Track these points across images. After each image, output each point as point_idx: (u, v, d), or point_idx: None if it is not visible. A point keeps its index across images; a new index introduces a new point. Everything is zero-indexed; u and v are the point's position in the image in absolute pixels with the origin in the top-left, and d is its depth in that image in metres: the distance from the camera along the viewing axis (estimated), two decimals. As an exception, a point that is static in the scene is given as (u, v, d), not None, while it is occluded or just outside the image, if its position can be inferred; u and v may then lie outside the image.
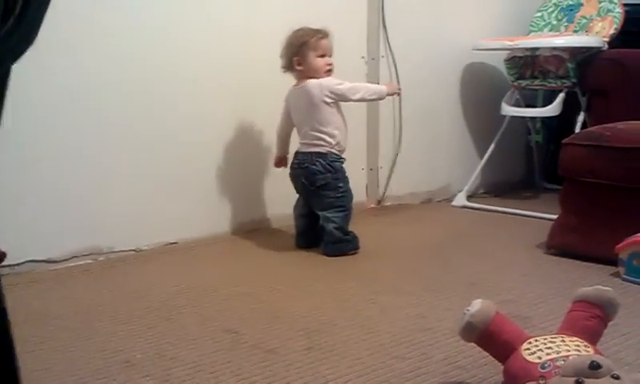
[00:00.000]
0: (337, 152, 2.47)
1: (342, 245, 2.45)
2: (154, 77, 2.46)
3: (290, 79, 2.55)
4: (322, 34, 2.47)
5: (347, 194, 2.50)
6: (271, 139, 2.78)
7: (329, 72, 2.47)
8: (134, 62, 2.41)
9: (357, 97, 2.48)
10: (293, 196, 2.64)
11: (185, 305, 1.92)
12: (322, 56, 2.46)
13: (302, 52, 2.44)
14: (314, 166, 2.43)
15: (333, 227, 2.43)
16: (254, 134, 2.77)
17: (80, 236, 2.32)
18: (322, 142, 2.45)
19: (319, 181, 2.44)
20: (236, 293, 2.03)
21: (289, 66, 2.49)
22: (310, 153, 2.45)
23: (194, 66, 2.56)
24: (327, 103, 2.43)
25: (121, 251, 2.41)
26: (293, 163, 2.53)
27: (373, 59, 3.11)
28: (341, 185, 2.47)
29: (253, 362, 1.54)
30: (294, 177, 2.52)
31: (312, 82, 2.44)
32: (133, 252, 2.44)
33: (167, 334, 1.71)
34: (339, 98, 2.45)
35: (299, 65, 2.45)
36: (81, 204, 2.33)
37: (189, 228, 2.59)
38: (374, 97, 2.60)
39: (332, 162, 2.45)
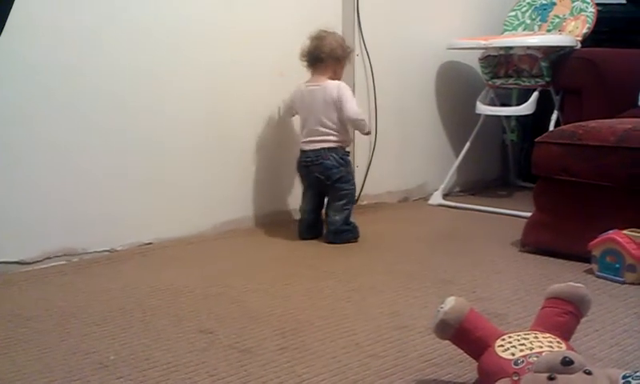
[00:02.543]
0: (345, 147, 2.66)
1: (346, 234, 2.61)
2: (130, 78, 2.44)
3: (270, 82, 2.67)
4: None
5: (355, 185, 2.73)
6: (248, 140, 2.79)
7: None
8: (113, 61, 2.39)
9: (350, 112, 2.62)
10: (271, 196, 2.69)
11: (159, 305, 1.91)
12: None
13: (343, 64, 2.70)
14: (328, 161, 2.58)
15: (343, 217, 2.60)
16: (232, 134, 2.76)
17: (54, 237, 2.30)
18: (334, 138, 2.61)
19: (335, 175, 2.59)
20: (211, 293, 2.02)
21: (319, 64, 2.64)
22: (323, 149, 2.59)
23: (172, 69, 2.55)
24: (334, 100, 2.60)
25: (95, 252, 2.39)
26: (303, 160, 2.64)
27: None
28: (351, 177, 2.68)
29: (228, 362, 1.53)
30: (307, 173, 2.64)
31: (331, 82, 2.62)
32: (107, 253, 2.42)
33: (141, 335, 1.69)
34: (339, 102, 2.60)
35: (334, 72, 2.66)
36: (54, 205, 2.30)
37: (164, 228, 2.57)
38: (361, 124, 2.71)
39: (343, 156, 2.63)
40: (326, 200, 2.69)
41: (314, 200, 2.68)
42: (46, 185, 2.28)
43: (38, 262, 2.26)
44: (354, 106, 2.63)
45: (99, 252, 2.40)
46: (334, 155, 2.59)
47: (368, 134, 2.80)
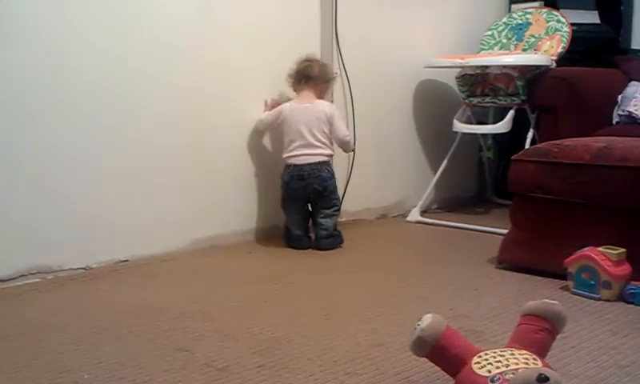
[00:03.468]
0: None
1: (335, 239, 2.79)
2: (107, 92, 2.43)
3: (250, 102, 2.81)
4: None
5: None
6: (227, 156, 2.79)
7: None
8: (89, 81, 2.38)
9: (340, 131, 2.84)
10: (249, 212, 2.81)
11: (135, 324, 1.89)
12: None
13: (329, 87, 2.94)
14: (324, 173, 2.76)
15: (333, 223, 2.79)
16: (210, 151, 2.75)
17: (28, 254, 2.27)
18: (327, 152, 2.79)
19: (330, 186, 2.78)
20: (188, 311, 2.01)
21: (309, 82, 2.82)
22: (319, 162, 2.75)
23: (150, 88, 2.54)
24: (327, 116, 2.80)
25: (70, 269, 2.36)
26: (297, 174, 2.73)
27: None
28: (336, 187, 2.87)
29: (205, 381, 1.52)
30: (302, 186, 2.73)
31: (323, 101, 2.84)
32: (82, 270, 2.40)
33: (117, 354, 1.68)
34: (331, 119, 2.81)
35: (321, 93, 2.86)
36: (28, 221, 2.28)
37: (140, 245, 2.55)
38: (349, 144, 2.94)
39: (332, 168, 2.82)
40: (309, 209, 2.84)
41: (302, 211, 2.81)
42: (19, 202, 2.26)
43: (11, 279, 2.23)
44: (343, 127, 2.88)
45: (74, 269, 2.38)
46: (328, 168, 2.79)
47: (352, 151, 3.05)
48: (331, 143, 2.83)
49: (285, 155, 2.78)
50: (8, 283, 2.22)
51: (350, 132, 3.03)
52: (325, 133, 2.79)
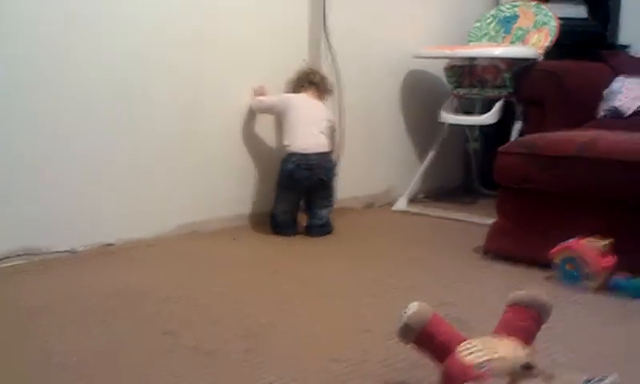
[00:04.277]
0: None
1: (328, 227, 2.82)
2: (102, 80, 2.42)
3: (241, 87, 2.82)
4: None
5: None
6: (215, 142, 2.79)
7: None
8: (85, 70, 2.37)
9: (334, 139, 2.98)
10: (239, 197, 2.85)
11: (122, 307, 1.89)
12: None
13: (328, 96, 3.01)
14: (329, 164, 2.82)
15: (328, 212, 2.81)
16: (199, 136, 2.75)
17: (15, 236, 2.26)
18: (327, 143, 2.82)
19: (333, 176, 2.86)
20: (174, 295, 2.01)
21: (311, 86, 2.91)
22: (323, 153, 2.77)
23: (142, 75, 2.53)
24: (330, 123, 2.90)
25: (56, 252, 2.35)
26: (303, 163, 2.71)
27: (314, 63, 3.12)
28: None
29: (193, 365, 1.52)
30: (307, 176, 2.72)
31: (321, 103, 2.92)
32: (68, 253, 2.39)
33: (104, 337, 1.68)
34: (332, 128, 2.93)
35: (323, 99, 2.94)
36: (15, 203, 2.26)
37: (126, 229, 2.54)
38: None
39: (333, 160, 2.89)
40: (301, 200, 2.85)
41: (293, 201, 2.80)
42: (6, 183, 2.25)
43: (-2, 260, 2.22)
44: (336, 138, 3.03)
45: (60, 252, 2.36)
46: (331, 159, 2.86)
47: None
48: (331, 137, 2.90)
49: (287, 143, 2.76)
50: (-7, 265, 2.21)
51: (330, 117, 3.03)
52: (327, 128, 2.84)
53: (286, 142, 2.77)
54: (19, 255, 2.26)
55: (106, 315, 1.83)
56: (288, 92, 2.92)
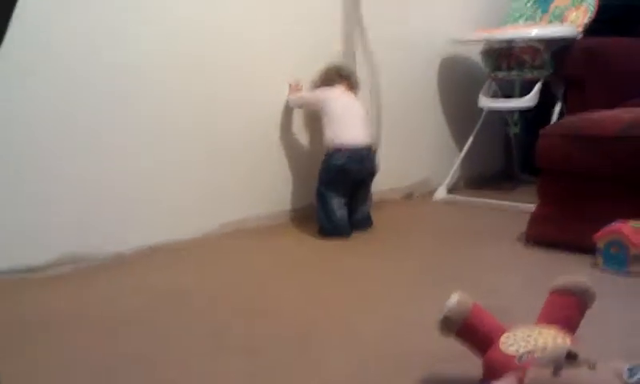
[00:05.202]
0: None
1: (368, 221, 2.79)
2: (129, 78, 2.45)
3: (274, 84, 2.82)
4: None
5: None
6: (254, 139, 2.81)
7: None
8: (111, 61, 2.40)
9: None
10: (279, 194, 2.87)
11: (167, 308, 1.92)
12: None
13: (356, 93, 2.91)
14: (375, 156, 2.78)
15: (367, 209, 2.80)
16: (237, 134, 2.77)
17: (60, 243, 2.30)
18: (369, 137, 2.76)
19: (377, 167, 2.81)
20: (220, 294, 2.03)
21: (342, 81, 2.85)
22: (369, 146, 2.73)
23: (172, 69, 2.55)
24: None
25: (102, 257, 2.38)
26: (355, 156, 2.64)
27: (350, 53, 3.11)
28: None
29: (239, 364, 1.53)
30: (358, 169, 2.67)
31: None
32: (114, 257, 2.42)
33: (150, 338, 1.70)
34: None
35: (354, 90, 2.88)
36: (60, 209, 2.30)
37: (170, 230, 2.57)
38: None
39: None
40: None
41: (344, 198, 2.70)
42: (52, 192, 2.29)
43: (44, 268, 2.26)
44: None
45: (106, 256, 2.40)
46: (375, 151, 2.81)
47: None
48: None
49: (333, 136, 2.67)
50: (41, 272, 2.23)
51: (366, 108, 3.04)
52: (366, 121, 2.79)
53: (330, 135, 2.68)
54: (65, 262, 2.30)
55: (151, 317, 1.85)
56: (315, 88, 2.87)
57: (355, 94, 2.89)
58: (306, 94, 2.85)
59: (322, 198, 2.68)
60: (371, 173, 2.76)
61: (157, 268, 2.33)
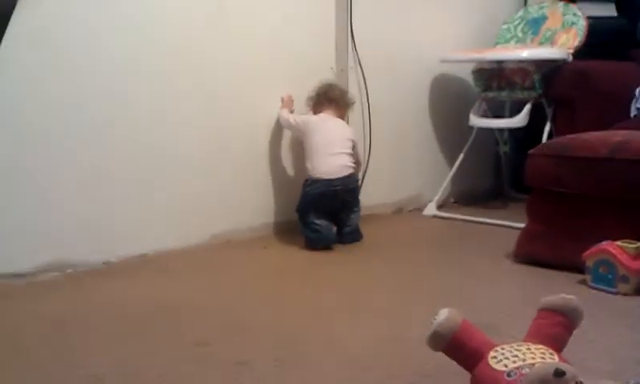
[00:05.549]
0: None
1: (356, 234, 2.83)
2: (126, 93, 2.46)
3: (268, 95, 2.84)
4: None
5: None
6: (245, 151, 2.82)
7: None
8: (110, 69, 2.40)
9: (359, 159, 2.92)
10: (265, 206, 2.87)
11: (154, 317, 1.91)
12: None
13: (347, 111, 2.98)
14: (353, 185, 2.80)
15: (358, 218, 2.85)
16: (228, 145, 2.78)
17: (48, 248, 2.29)
18: (352, 163, 2.78)
19: (357, 194, 2.86)
20: (207, 305, 2.03)
21: (330, 104, 2.87)
22: (350, 175, 2.75)
23: (168, 81, 2.56)
24: (353, 142, 2.84)
25: (90, 264, 2.38)
26: (329, 189, 2.69)
27: (342, 70, 3.13)
28: None
29: (224, 376, 1.53)
30: (331, 199, 2.71)
31: (345, 123, 2.90)
32: (102, 265, 2.42)
33: (136, 348, 1.70)
34: (356, 146, 2.86)
35: (344, 115, 2.93)
36: (49, 216, 2.30)
37: (159, 240, 2.57)
38: (358, 168, 2.95)
39: (356, 176, 2.88)
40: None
41: (327, 216, 2.73)
42: (39, 197, 2.29)
43: (32, 274, 2.26)
44: (360, 152, 2.97)
45: (94, 264, 2.40)
46: (355, 179, 2.83)
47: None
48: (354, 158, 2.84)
49: (310, 167, 2.74)
50: (28, 278, 2.24)
51: (357, 125, 3.14)
52: (350, 148, 2.79)
53: (308, 166, 2.75)
54: (52, 269, 2.30)
55: (138, 326, 1.85)
56: (309, 110, 2.90)
57: (345, 114, 2.92)
58: (290, 118, 2.85)
59: (301, 217, 2.75)
60: (347, 201, 2.77)
61: (144, 278, 2.33)
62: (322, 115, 2.84)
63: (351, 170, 2.76)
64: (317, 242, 2.69)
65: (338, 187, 2.70)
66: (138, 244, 2.52)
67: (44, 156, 2.29)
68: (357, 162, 2.90)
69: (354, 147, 2.82)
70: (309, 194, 2.73)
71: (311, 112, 2.89)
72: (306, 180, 2.76)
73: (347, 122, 2.97)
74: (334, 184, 2.70)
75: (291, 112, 2.89)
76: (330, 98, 2.86)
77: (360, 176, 3.05)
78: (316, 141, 2.76)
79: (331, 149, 2.74)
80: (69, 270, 2.34)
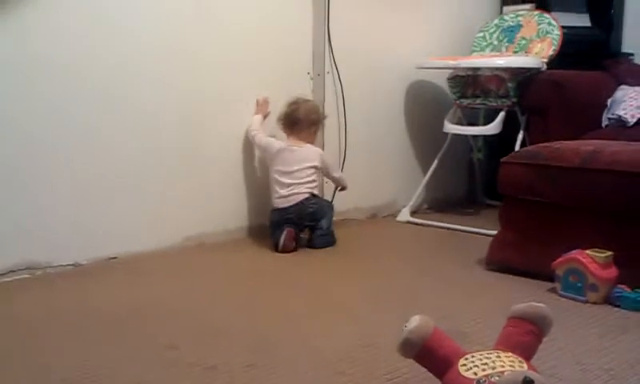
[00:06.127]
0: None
1: (328, 238, 2.85)
2: (99, 92, 2.43)
3: (242, 104, 2.85)
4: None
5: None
6: (219, 155, 2.82)
7: None
8: (82, 75, 2.38)
9: (335, 174, 2.99)
10: (239, 209, 2.88)
11: (124, 321, 1.90)
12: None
13: (318, 128, 2.94)
14: (311, 208, 2.78)
15: (328, 223, 2.85)
16: (203, 149, 2.76)
17: (17, 250, 2.27)
18: (311, 187, 2.81)
19: (319, 212, 2.81)
20: (177, 308, 2.01)
21: (295, 127, 2.84)
22: (302, 201, 2.76)
23: (143, 85, 2.55)
24: (318, 168, 2.85)
25: (59, 266, 2.36)
26: (285, 218, 2.73)
27: (318, 75, 3.14)
28: (322, 196, 3.01)
29: (192, 380, 1.52)
30: (292, 224, 2.74)
31: (312, 148, 2.86)
32: (72, 267, 2.40)
33: (106, 352, 1.68)
34: (326, 170, 2.92)
35: (313, 133, 2.89)
36: (18, 217, 2.27)
37: (130, 242, 2.55)
38: (341, 183, 3.04)
39: (317, 196, 2.87)
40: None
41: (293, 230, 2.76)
42: (7, 197, 2.26)
43: (2, 274, 2.23)
44: (338, 171, 3.05)
45: (63, 266, 2.37)
46: (313, 201, 2.80)
47: (345, 188, 3.08)
48: (315, 180, 2.85)
49: (272, 194, 2.81)
50: (-4, 279, 2.22)
51: (333, 128, 3.17)
52: (309, 174, 2.81)
53: (271, 192, 2.82)
54: (21, 269, 2.27)
55: (108, 329, 1.83)
56: (282, 131, 2.89)
57: (314, 132, 2.91)
58: (258, 139, 2.85)
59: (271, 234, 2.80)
60: (308, 225, 2.81)
61: (115, 280, 2.31)
62: (284, 143, 2.83)
63: (305, 195, 2.78)
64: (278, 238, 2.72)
65: (291, 215, 2.75)
66: (108, 246, 2.50)
67: (14, 155, 2.26)
68: (333, 179, 3.00)
69: (322, 168, 2.87)
70: (272, 222, 2.80)
71: (283, 133, 2.89)
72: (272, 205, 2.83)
73: (315, 137, 2.94)
74: (289, 212, 2.76)
75: (265, 116, 2.90)
76: (293, 121, 2.85)
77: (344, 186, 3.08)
78: (273, 170, 2.82)
79: (285, 179, 2.78)
80: (38, 272, 2.31)
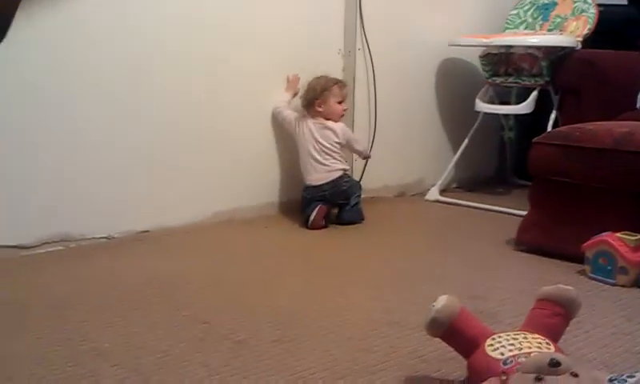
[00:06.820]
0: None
1: (358, 213, 2.87)
2: (127, 67, 2.46)
3: (269, 78, 2.83)
4: (341, 83, 2.89)
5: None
6: (248, 130, 2.83)
7: (343, 116, 2.88)
8: (110, 53, 2.40)
9: (358, 147, 2.99)
10: (270, 185, 2.91)
11: (155, 294, 1.93)
12: (340, 102, 2.84)
13: (324, 96, 2.81)
14: (344, 186, 2.80)
15: (356, 199, 2.86)
16: (232, 123, 2.77)
17: (51, 222, 2.31)
18: (341, 165, 2.83)
19: (352, 192, 2.83)
20: (208, 283, 2.04)
21: (309, 106, 2.83)
22: (335, 179, 2.78)
23: (171, 60, 2.56)
24: (342, 144, 2.84)
25: (93, 238, 2.40)
26: (318, 195, 2.75)
27: (349, 52, 3.12)
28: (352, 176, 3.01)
29: (222, 353, 1.55)
30: (328, 198, 2.77)
31: (334, 125, 2.83)
32: (105, 239, 2.44)
33: (137, 323, 1.71)
34: (349, 143, 2.90)
35: (319, 106, 2.80)
36: (52, 190, 2.31)
37: (162, 216, 2.58)
38: (365, 153, 3.07)
39: (349, 176, 2.91)
40: None
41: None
42: (42, 170, 2.30)
43: (35, 246, 2.28)
44: (361, 143, 3.03)
45: (97, 238, 2.42)
46: (346, 180, 2.82)
47: (369, 157, 3.10)
48: (344, 156, 2.88)
49: (302, 170, 2.83)
50: (31, 250, 2.26)
51: (364, 106, 3.17)
52: (337, 151, 2.81)
53: (301, 169, 2.83)
54: (56, 242, 2.32)
55: (139, 302, 1.86)
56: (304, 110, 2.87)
57: (319, 106, 2.82)
58: (283, 115, 2.86)
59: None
60: (341, 203, 2.82)
61: (146, 254, 2.34)
62: (307, 122, 2.82)
63: (340, 173, 2.79)
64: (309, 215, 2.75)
65: (325, 192, 2.76)
66: (140, 220, 2.53)
67: (48, 131, 2.29)
68: (358, 152, 3.01)
69: (344, 142, 2.84)
70: (304, 198, 2.80)
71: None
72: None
73: (325, 112, 2.84)
74: (322, 189, 2.76)
75: (295, 94, 2.90)
76: (310, 101, 2.82)
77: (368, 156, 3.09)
78: (300, 146, 2.83)
79: (314, 156, 2.79)
80: (72, 244, 2.35)
